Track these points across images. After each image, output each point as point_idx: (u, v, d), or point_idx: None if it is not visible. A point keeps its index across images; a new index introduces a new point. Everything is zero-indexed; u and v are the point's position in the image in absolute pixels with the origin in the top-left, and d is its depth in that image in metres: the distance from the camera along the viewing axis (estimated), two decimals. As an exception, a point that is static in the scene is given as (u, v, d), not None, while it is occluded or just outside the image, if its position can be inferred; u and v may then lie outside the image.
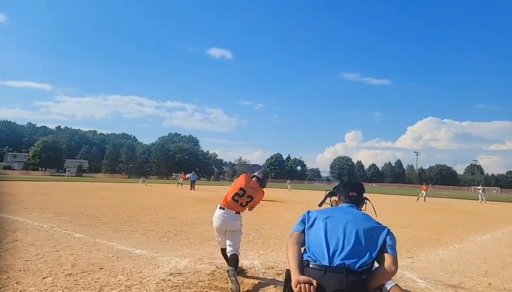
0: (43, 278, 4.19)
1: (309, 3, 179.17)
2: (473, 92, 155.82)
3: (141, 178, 41.64)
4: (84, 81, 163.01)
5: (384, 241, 2.20)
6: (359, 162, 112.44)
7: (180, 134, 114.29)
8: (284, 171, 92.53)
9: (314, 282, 1.97)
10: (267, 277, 4.68)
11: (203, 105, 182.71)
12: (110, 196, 18.42)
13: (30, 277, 4.21)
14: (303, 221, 2.36)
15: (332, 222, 2.26)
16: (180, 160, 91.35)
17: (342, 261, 2.04)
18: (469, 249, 7.69)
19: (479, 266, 6.08)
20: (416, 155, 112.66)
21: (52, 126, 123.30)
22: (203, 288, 4.09)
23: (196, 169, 42.67)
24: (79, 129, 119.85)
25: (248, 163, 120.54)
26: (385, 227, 2.32)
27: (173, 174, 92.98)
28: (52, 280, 4.17)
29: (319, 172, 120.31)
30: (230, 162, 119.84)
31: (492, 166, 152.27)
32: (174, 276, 4.48)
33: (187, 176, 38.60)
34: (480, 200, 28.80)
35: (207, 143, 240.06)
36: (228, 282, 4.01)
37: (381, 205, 21.25)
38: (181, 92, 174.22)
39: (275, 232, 8.81)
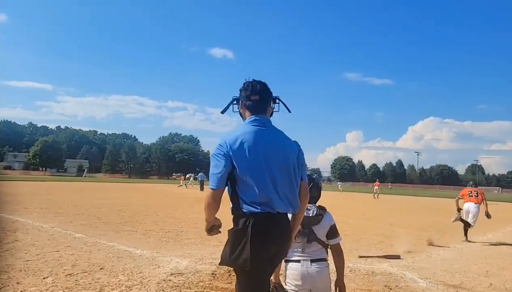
0: (44, 278, 4.19)
1: (311, 3, 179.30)
2: (475, 92, 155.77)
3: (187, 177, 38.90)
4: (86, 81, 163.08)
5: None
6: (360, 162, 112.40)
7: (181, 134, 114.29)
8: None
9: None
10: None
11: (204, 105, 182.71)
12: (110, 196, 18.43)
13: (30, 277, 4.21)
14: None
15: None
16: (181, 160, 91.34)
17: None
18: (470, 249, 7.68)
19: (480, 266, 6.07)
20: (417, 154, 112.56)
21: (52, 126, 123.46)
22: (204, 288, 4.09)
23: (197, 169, 42.31)
24: (79, 129, 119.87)
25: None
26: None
27: (174, 174, 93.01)
28: (52, 280, 4.16)
29: (320, 172, 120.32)
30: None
31: (493, 166, 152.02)
32: (175, 276, 4.48)
33: (187, 175, 38.58)
34: None
35: (208, 144, 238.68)
36: (229, 282, 4.00)
37: (382, 205, 21.24)
38: (182, 92, 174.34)
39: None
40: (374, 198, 27.09)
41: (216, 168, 2.02)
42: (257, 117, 2.15)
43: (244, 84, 2.25)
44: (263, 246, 1.97)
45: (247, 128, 2.12)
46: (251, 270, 1.96)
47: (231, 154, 2.01)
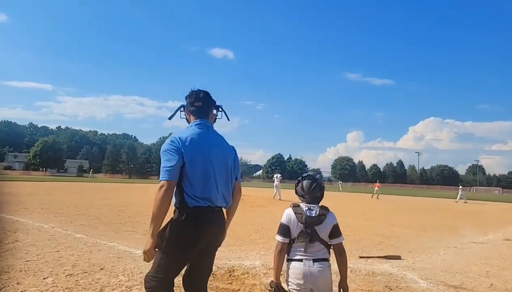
0: (44, 279, 4.19)
1: (311, 3, 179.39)
2: (475, 92, 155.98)
3: None
4: (86, 81, 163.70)
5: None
6: (360, 162, 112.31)
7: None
8: (285, 171, 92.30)
9: None
10: (269, 278, 4.66)
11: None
12: (110, 197, 18.43)
13: (31, 277, 4.21)
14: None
15: None
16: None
17: None
18: (471, 250, 7.67)
19: (480, 266, 6.07)
20: (418, 155, 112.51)
21: (53, 126, 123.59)
22: (204, 289, 4.09)
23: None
24: (79, 130, 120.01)
25: (249, 163, 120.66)
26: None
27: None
28: (53, 280, 4.16)
29: (320, 172, 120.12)
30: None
31: (494, 166, 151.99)
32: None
33: None
34: (458, 199, 28.72)
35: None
36: (229, 283, 3.99)
37: (382, 205, 21.23)
38: (182, 92, 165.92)
39: (276, 232, 8.79)
40: (372, 198, 27.05)
41: (169, 161, 2.18)
42: (201, 121, 2.43)
43: (189, 92, 2.51)
44: (201, 235, 2.24)
45: (194, 130, 2.36)
46: (179, 257, 2.24)
47: (182, 150, 2.21)
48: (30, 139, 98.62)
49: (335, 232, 2.58)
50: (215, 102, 2.58)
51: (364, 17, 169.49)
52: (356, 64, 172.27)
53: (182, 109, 2.55)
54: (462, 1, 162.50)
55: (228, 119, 2.70)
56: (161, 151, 2.29)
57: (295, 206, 2.62)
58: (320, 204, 2.64)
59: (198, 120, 2.44)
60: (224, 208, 2.45)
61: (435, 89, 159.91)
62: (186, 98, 2.53)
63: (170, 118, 2.57)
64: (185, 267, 2.42)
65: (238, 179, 2.57)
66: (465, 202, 27.73)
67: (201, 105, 2.46)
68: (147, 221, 8.24)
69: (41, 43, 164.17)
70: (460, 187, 30.27)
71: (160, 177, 2.18)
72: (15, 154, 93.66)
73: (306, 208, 2.57)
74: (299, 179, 2.74)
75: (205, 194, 2.25)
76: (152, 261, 2.28)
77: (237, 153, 2.57)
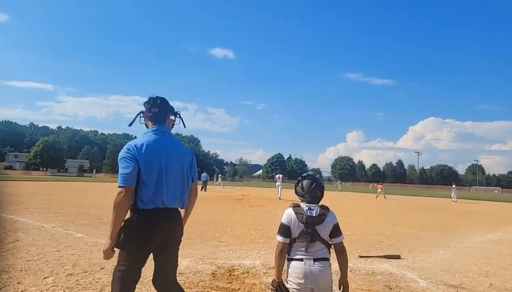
0: (44, 278, 4.20)
1: (312, 3, 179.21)
2: (475, 92, 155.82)
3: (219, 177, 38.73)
4: (86, 81, 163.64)
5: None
6: (360, 162, 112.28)
7: (181, 134, 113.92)
8: (285, 171, 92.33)
9: None
10: (269, 278, 4.67)
11: (205, 106, 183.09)
12: (111, 196, 18.42)
13: (31, 277, 4.22)
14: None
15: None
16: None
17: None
18: (471, 249, 7.68)
19: (480, 266, 6.07)
20: (418, 155, 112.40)
21: (53, 126, 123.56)
22: (204, 288, 4.10)
23: (198, 169, 42.00)
24: (80, 130, 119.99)
25: (249, 163, 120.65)
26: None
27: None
28: (53, 280, 4.17)
29: (320, 172, 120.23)
30: (231, 162, 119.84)
31: (493, 166, 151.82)
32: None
33: (219, 175, 38.71)
34: (455, 198, 29.03)
35: (209, 144, 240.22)
36: (229, 282, 4.00)
37: (383, 205, 21.22)
38: (183, 93, 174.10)
39: (276, 232, 8.80)
40: (377, 199, 27.10)
41: (127, 168, 2.36)
42: (158, 127, 2.58)
43: (148, 99, 2.66)
44: (149, 236, 2.42)
45: (150, 137, 2.53)
46: (135, 253, 2.46)
47: (137, 157, 2.38)
48: (31, 139, 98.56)
49: (336, 231, 2.59)
50: (173, 108, 2.74)
51: (364, 17, 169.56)
52: (356, 64, 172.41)
53: (141, 115, 2.70)
54: (462, 1, 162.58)
55: (184, 126, 2.88)
56: (118, 158, 2.43)
57: (296, 206, 2.63)
58: (320, 204, 2.65)
59: (155, 126, 2.59)
60: (181, 208, 2.62)
61: (435, 89, 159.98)
62: (144, 104, 2.68)
63: (130, 125, 2.75)
64: (153, 268, 2.65)
65: (195, 180, 2.75)
66: (456, 201, 28.23)
67: (158, 111, 2.61)
68: (148, 221, 7.98)
69: (42, 43, 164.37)
70: (454, 186, 30.81)
71: (118, 183, 2.34)
72: (16, 154, 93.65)
73: (307, 208, 2.58)
74: (299, 178, 2.74)
75: (157, 196, 2.42)
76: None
77: (194, 156, 2.76)
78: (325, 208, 2.62)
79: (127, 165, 2.36)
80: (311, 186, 2.63)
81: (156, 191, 2.42)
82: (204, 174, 30.03)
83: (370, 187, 73.87)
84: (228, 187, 38.56)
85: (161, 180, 2.44)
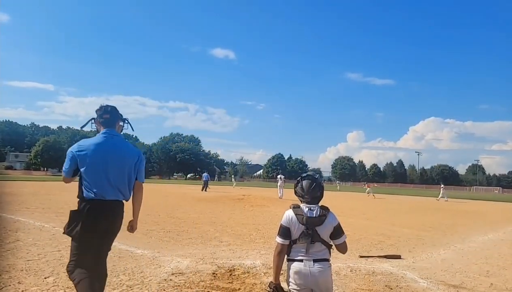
0: (45, 278, 4.21)
1: (312, 3, 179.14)
2: (476, 92, 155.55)
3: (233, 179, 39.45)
4: (87, 81, 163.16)
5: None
6: (360, 162, 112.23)
7: (182, 134, 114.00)
8: (285, 171, 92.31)
9: None
10: (269, 278, 4.67)
11: (205, 106, 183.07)
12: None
13: (32, 276, 4.23)
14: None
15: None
16: (182, 160, 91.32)
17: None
18: (471, 249, 7.68)
19: (480, 266, 6.07)
20: (418, 155, 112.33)
21: (54, 126, 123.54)
22: (205, 288, 4.10)
23: (198, 169, 41.92)
24: (81, 130, 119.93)
25: (249, 163, 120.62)
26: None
27: (175, 174, 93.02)
28: (54, 279, 4.18)
29: (320, 172, 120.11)
30: (231, 162, 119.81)
31: (494, 166, 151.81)
32: (176, 276, 4.49)
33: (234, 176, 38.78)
34: (439, 197, 29.30)
35: (209, 144, 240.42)
36: (230, 282, 4.00)
37: (383, 205, 21.21)
38: (184, 93, 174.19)
39: (276, 231, 8.80)
40: (368, 197, 27.25)
41: (66, 164, 2.92)
42: (107, 131, 3.01)
43: (99, 107, 3.09)
44: (93, 223, 2.82)
45: (97, 139, 2.98)
46: (80, 239, 2.82)
47: (76, 156, 2.87)
48: (31, 139, 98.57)
49: (337, 233, 2.60)
50: (121, 115, 3.16)
51: (364, 17, 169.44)
52: (357, 64, 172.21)
53: (93, 121, 3.13)
54: (463, 1, 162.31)
55: (133, 130, 3.36)
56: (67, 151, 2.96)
57: (296, 207, 2.62)
58: (320, 204, 2.65)
59: (105, 129, 3.02)
60: (124, 200, 3.05)
61: (436, 89, 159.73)
62: (96, 111, 3.10)
63: (82, 128, 3.21)
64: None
65: (139, 179, 3.12)
66: (438, 200, 28.66)
67: (109, 117, 3.06)
68: (148, 220, 8.32)
69: (43, 43, 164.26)
70: (442, 185, 31.20)
71: (63, 173, 2.99)
72: (16, 154, 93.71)
73: (307, 209, 2.57)
74: (298, 179, 2.74)
75: (98, 189, 2.84)
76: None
77: (142, 157, 3.13)
78: (325, 209, 2.61)
79: (68, 160, 2.91)
80: (310, 186, 2.62)
81: (96, 185, 2.84)
82: (205, 174, 29.81)
83: (365, 186, 74.36)
84: (240, 188, 38.31)
85: (101, 175, 2.86)
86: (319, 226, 2.53)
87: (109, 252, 3.12)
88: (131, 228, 3.21)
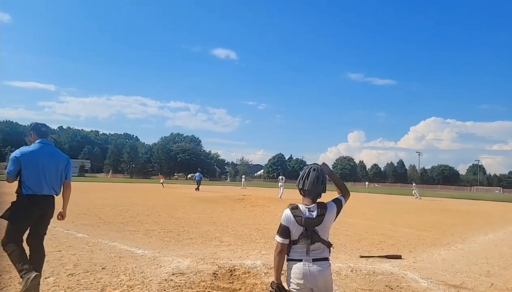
0: (46, 278, 4.20)
1: (313, 3, 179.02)
2: (477, 92, 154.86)
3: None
4: (88, 81, 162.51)
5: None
6: (361, 162, 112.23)
7: (182, 135, 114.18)
8: (286, 171, 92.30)
9: None
10: (270, 278, 4.67)
11: (206, 106, 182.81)
12: (112, 196, 18.45)
13: (32, 277, 4.22)
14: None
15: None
16: (182, 160, 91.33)
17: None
18: (472, 249, 7.67)
19: (481, 266, 6.07)
20: (418, 155, 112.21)
21: (54, 126, 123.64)
22: (205, 288, 4.10)
23: (199, 169, 41.76)
24: (81, 130, 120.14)
25: (250, 163, 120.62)
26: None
27: (175, 174, 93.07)
28: (54, 280, 4.18)
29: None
30: (232, 162, 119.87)
31: (494, 166, 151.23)
32: (176, 276, 4.49)
33: (189, 175, 38.24)
34: (417, 196, 30.07)
35: (210, 144, 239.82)
36: (230, 282, 3.99)
37: (383, 205, 21.21)
38: (184, 93, 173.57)
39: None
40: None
41: (11, 166, 3.63)
42: (42, 140, 3.80)
43: (35, 123, 3.94)
44: (28, 212, 3.62)
45: (35, 146, 3.76)
46: (14, 223, 3.60)
47: (20, 159, 3.60)
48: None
49: (338, 206, 2.69)
50: (51, 131, 4.01)
51: (366, 17, 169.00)
52: (358, 64, 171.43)
53: (30, 134, 3.88)
54: (464, 1, 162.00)
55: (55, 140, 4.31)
56: (10, 156, 3.65)
57: (294, 208, 2.60)
58: (318, 201, 2.64)
59: (41, 139, 3.80)
60: (56, 195, 3.85)
61: (437, 89, 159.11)
62: (32, 125, 3.94)
63: (24, 136, 4.04)
64: (27, 231, 3.76)
65: (68, 178, 3.96)
66: (419, 197, 29.50)
67: (45, 130, 3.90)
68: (149, 221, 8.33)
69: (44, 43, 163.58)
70: (414, 184, 32.54)
71: (6, 175, 3.67)
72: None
73: (306, 210, 2.56)
74: (303, 177, 2.67)
75: (35, 186, 3.64)
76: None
77: (70, 161, 4.01)
78: (323, 207, 2.59)
79: (11, 164, 3.62)
80: (314, 181, 2.60)
81: (35, 182, 3.64)
82: (197, 174, 29.24)
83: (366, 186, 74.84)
84: (250, 188, 38.11)
85: (39, 175, 3.65)
86: (318, 226, 2.53)
87: (45, 236, 3.88)
88: (61, 216, 4.01)
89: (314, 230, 2.51)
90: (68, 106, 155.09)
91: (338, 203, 2.69)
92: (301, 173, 2.70)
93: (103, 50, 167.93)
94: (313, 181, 2.59)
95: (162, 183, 34.81)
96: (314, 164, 2.76)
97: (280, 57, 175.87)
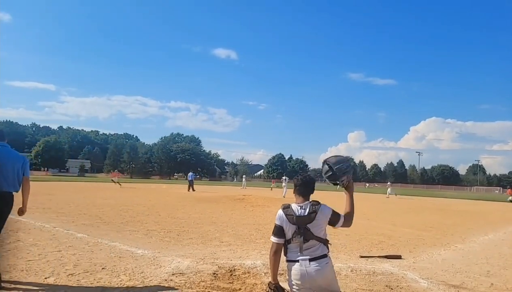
0: (46, 278, 4.21)
1: (314, 4, 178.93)
2: (477, 92, 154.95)
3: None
4: (88, 81, 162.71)
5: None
6: (361, 162, 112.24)
7: (182, 135, 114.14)
8: (286, 171, 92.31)
9: None
10: (270, 277, 4.67)
11: (207, 106, 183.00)
12: (112, 196, 18.46)
13: (32, 277, 4.24)
14: None
15: None
16: (182, 160, 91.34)
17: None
18: (471, 249, 7.67)
19: (481, 266, 6.07)
20: (418, 155, 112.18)
21: (55, 126, 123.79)
22: (205, 288, 4.10)
23: (198, 169, 41.51)
24: (81, 130, 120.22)
25: (250, 163, 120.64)
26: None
27: (175, 174, 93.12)
28: (54, 280, 4.18)
29: (321, 172, 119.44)
30: (232, 162, 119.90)
31: (495, 166, 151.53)
32: (176, 276, 4.49)
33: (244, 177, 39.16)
34: (387, 195, 30.68)
35: (210, 144, 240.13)
36: (230, 282, 4.00)
37: (383, 205, 21.21)
38: (185, 93, 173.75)
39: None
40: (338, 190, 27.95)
41: None
42: (1, 143, 4.17)
43: None
44: None
45: None
46: None
47: None
48: (32, 139, 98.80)
49: (334, 219, 2.62)
50: (6, 133, 4.40)
51: (366, 17, 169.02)
52: (359, 64, 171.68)
53: None
54: (465, 1, 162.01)
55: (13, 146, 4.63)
56: None
57: (286, 207, 2.63)
58: (311, 199, 2.65)
59: (0, 142, 4.18)
60: (15, 191, 4.17)
61: (437, 89, 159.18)
62: None
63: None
64: None
65: (26, 174, 4.25)
66: (388, 196, 30.26)
67: (3, 134, 4.24)
68: (149, 221, 8.33)
69: (44, 43, 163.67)
70: (388, 183, 34.97)
71: None
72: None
73: (298, 208, 2.59)
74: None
75: None
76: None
77: (26, 159, 4.36)
78: (315, 205, 2.60)
79: None
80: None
81: None
82: (190, 174, 28.64)
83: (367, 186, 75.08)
84: (250, 188, 38.06)
85: (0, 174, 3.99)
86: (310, 224, 2.53)
87: (4, 227, 4.20)
88: (21, 212, 4.28)
89: (306, 227, 2.52)
90: (68, 106, 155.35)
91: (335, 215, 2.66)
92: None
93: (103, 50, 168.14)
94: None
95: (117, 182, 30.43)
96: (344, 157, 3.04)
97: (280, 57, 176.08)
